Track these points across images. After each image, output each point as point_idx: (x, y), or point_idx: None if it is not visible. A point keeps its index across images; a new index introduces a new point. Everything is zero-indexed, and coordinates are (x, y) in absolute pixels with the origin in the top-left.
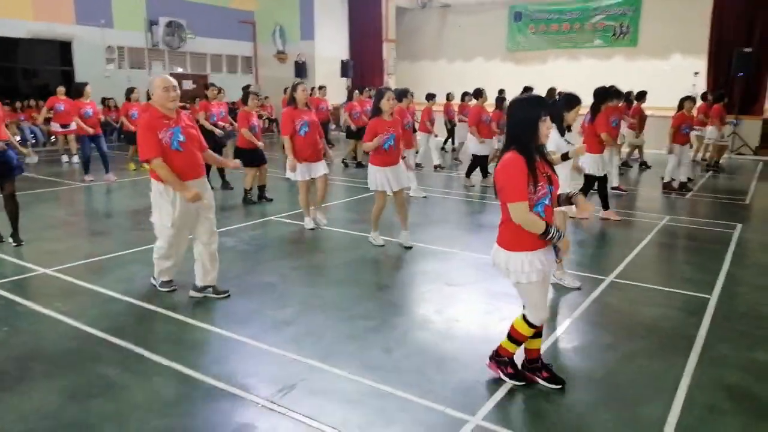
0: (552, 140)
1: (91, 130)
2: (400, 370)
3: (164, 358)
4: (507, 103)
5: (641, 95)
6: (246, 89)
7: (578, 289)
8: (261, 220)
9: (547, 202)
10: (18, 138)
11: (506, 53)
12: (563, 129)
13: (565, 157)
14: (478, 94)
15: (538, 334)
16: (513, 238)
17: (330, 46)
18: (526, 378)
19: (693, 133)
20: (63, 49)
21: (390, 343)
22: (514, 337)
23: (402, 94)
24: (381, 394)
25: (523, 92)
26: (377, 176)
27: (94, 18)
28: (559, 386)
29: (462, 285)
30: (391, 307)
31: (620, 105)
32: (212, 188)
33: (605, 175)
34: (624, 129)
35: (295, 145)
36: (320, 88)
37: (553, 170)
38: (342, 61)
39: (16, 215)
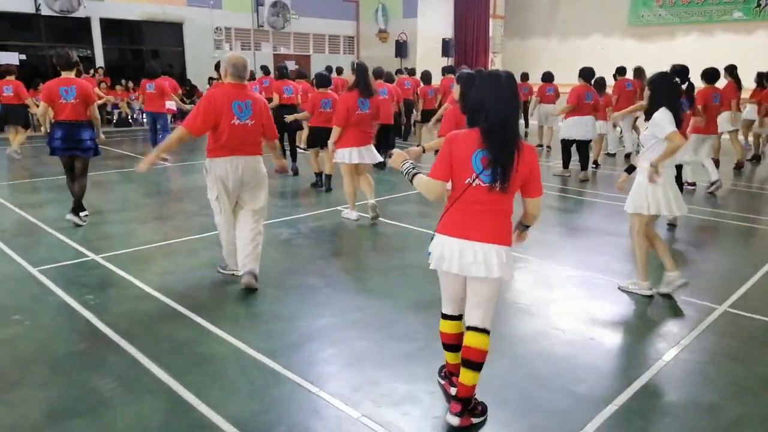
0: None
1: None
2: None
3: (165, 373)
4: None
5: None
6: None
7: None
8: (327, 210)
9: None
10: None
11: (627, 29)
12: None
13: None
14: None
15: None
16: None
17: (433, 23)
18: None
19: None
20: (177, 31)
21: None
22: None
23: None
24: None
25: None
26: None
27: None
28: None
29: (535, 304)
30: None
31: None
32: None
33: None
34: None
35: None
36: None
37: None
38: (443, 39)
39: (80, 194)
